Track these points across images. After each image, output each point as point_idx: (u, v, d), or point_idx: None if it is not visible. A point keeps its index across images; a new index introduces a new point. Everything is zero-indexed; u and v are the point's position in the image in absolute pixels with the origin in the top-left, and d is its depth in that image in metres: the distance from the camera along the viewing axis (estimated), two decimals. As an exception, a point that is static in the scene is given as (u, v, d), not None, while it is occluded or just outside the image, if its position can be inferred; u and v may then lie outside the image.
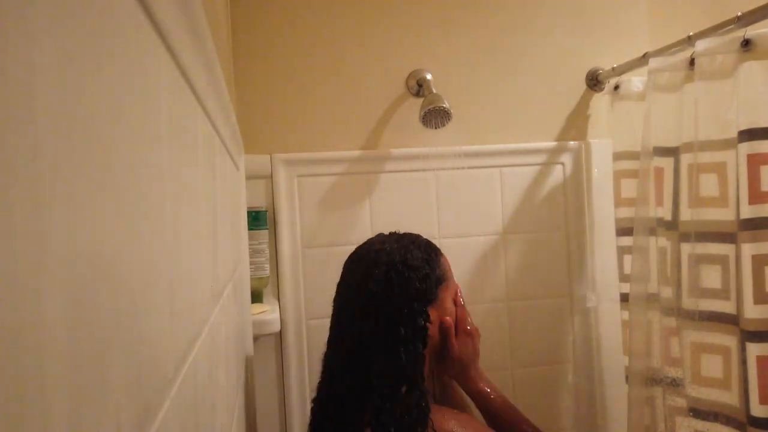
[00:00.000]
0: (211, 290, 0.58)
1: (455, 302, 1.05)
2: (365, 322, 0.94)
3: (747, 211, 1.09)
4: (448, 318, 1.01)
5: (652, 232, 1.34)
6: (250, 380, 1.20)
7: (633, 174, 1.42)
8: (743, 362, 1.09)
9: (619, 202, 1.48)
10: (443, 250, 1.09)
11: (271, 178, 1.44)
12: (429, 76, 1.50)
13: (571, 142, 1.60)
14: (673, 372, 1.28)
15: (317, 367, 1.45)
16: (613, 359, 1.55)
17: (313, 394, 1.04)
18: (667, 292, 1.28)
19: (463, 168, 1.52)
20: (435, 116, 1.40)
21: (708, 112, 1.17)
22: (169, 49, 0.38)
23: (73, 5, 0.21)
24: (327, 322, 1.04)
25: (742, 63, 1.10)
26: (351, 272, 1.02)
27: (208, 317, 0.55)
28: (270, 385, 1.42)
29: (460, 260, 1.51)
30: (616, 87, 1.48)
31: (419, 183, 1.52)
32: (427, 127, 1.42)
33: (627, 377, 1.41)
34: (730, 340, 1.14)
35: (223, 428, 0.63)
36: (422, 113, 1.40)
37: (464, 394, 1.11)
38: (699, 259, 1.19)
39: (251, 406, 1.19)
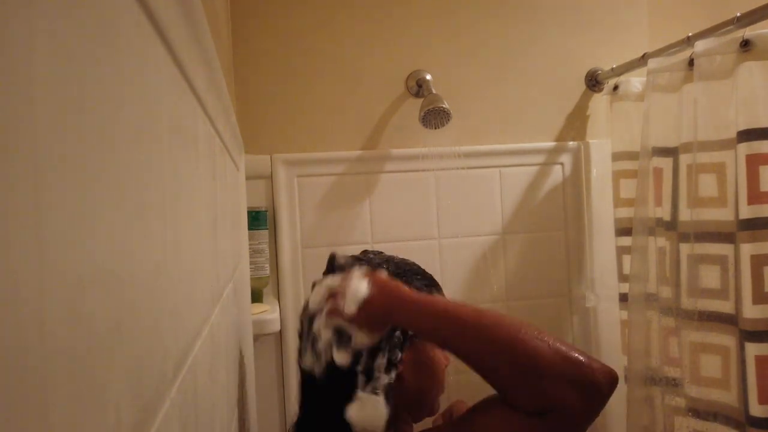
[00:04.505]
0: (211, 290, 0.58)
1: None
2: None
3: (746, 212, 1.09)
4: None
5: (651, 232, 1.34)
6: (250, 380, 1.20)
7: (632, 174, 1.42)
8: (742, 362, 1.10)
9: (618, 202, 1.48)
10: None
11: (271, 178, 1.44)
12: (429, 77, 1.50)
13: (571, 143, 1.60)
14: (672, 372, 1.28)
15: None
16: (612, 359, 1.54)
17: None
18: (666, 292, 1.28)
19: (462, 168, 1.52)
20: (435, 116, 1.40)
21: (707, 113, 1.17)
22: (169, 49, 0.38)
23: (73, 5, 0.21)
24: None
25: (741, 63, 1.10)
26: None
27: (208, 317, 0.55)
28: (270, 385, 1.42)
29: (459, 260, 1.51)
30: (615, 87, 1.48)
31: (419, 183, 1.52)
32: (426, 127, 1.42)
33: (626, 377, 1.41)
34: (729, 340, 1.14)
35: (223, 428, 0.63)
36: (422, 114, 1.40)
37: None
38: (698, 259, 1.19)
39: (251, 405, 1.18)
